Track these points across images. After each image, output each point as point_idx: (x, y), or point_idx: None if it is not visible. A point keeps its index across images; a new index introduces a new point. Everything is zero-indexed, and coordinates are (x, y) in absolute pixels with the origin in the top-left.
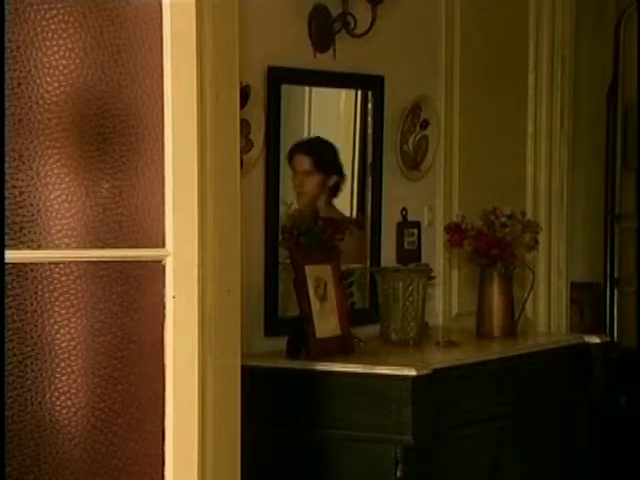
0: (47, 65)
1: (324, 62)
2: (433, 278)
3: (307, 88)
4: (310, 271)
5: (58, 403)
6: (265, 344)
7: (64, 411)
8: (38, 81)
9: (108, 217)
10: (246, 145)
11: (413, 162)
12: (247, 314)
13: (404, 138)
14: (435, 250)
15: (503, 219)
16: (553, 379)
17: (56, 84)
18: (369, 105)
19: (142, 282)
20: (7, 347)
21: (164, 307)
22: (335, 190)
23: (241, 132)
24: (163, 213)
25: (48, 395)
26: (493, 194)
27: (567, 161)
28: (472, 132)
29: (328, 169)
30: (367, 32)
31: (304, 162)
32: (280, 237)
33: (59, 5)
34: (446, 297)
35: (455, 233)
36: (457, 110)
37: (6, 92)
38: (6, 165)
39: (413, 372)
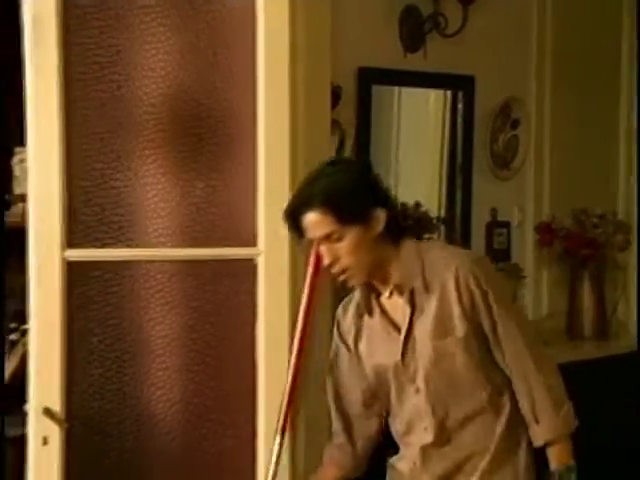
0: (145, 68)
1: (414, 62)
2: (523, 277)
3: (397, 88)
4: None
5: (154, 398)
6: None
7: (160, 405)
8: (137, 84)
9: (202, 216)
10: (337, 145)
11: (503, 161)
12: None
13: (494, 137)
14: (525, 250)
15: (594, 219)
16: None
17: (154, 86)
18: (459, 105)
19: (234, 281)
20: (106, 343)
21: (256, 305)
22: None
23: (332, 132)
24: (255, 212)
25: (145, 390)
26: (584, 194)
27: None
28: (563, 132)
29: None
30: (458, 32)
31: None
32: None
33: (157, 9)
34: (536, 296)
35: (545, 233)
36: (548, 110)
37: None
38: (105, 166)
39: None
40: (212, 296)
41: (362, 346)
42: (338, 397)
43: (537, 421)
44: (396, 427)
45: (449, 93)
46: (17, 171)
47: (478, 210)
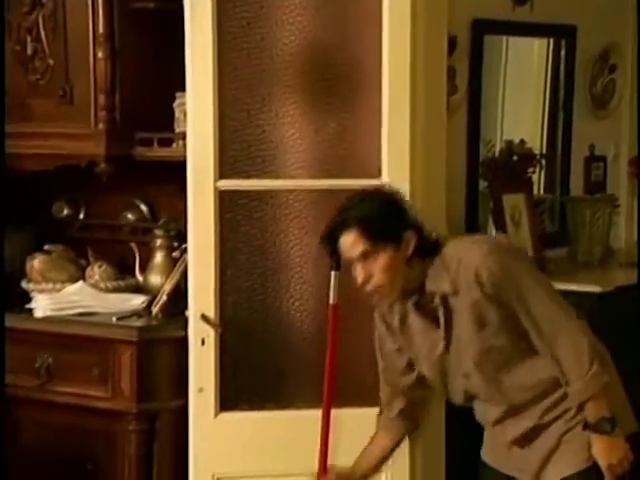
0: (285, 22)
1: (522, 14)
2: (617, 207)
3: (505, 38)
4: (506, 200)
5: (294, 308)
6: None
7: (298, 314)
8: (278, 36)
9: (334, 151)
10: (452, 89)
11: (601, 103)
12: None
13: (593, 81)
14: (619, 182)
15: None
16: None
17: (292, 37)
18: (562, 52)
19: None
20: (252, 260)
21: None
22: None
23: (448, 78)
24: (379, 148)
25: (285, 301)
26: None
27: None
28: None
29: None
30: None
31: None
32: (480, 170)
33: None
34: (628, 223)
35: (638, 166)
36: None
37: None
38: (251, 107)
39: (598, 289)
40: None
41: (404, 335)
42: (386, 370)
43: (568, 384)
44: (455, 401)
45: (552, 41)
46: (177, 113)
47: (577, 146)
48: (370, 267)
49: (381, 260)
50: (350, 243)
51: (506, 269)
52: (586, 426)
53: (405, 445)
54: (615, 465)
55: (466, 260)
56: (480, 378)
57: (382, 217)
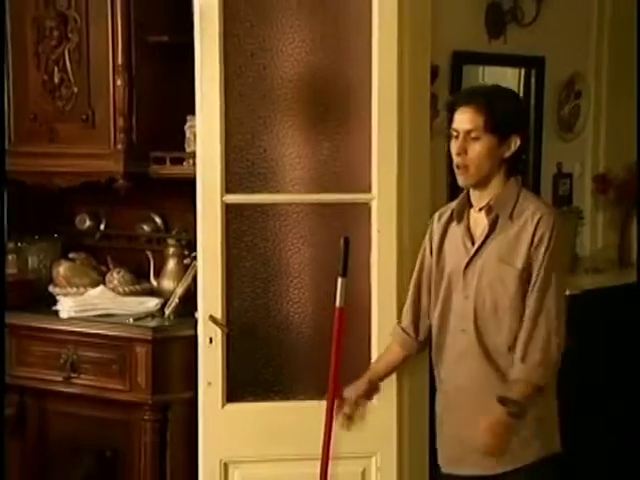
0: (285, 53)
1: (497, 47)
2: (582, 218)
3: (481, 67)
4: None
5: (292, 311)
6: None
7: (296, 317)
8: (279, 64)
9: (328, 169)
10: (434, 114)
11: (567, 125)
12: None
13: (560, 106)
14: (584, 196)
15: None
16: None
17: (291, 66)
18: (532, 80)
19: (354, 219)
20: (255, 267)
21: (370, 239)
22: None
23: (430, 103)
24: (369, 166)
25: (284, 304)
26: (635, 151)
27: None
28: (619, 100)
29: None
30: (532, 22)
31: None
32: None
33: (294, 7)
34: (592, 233)
35: (601, 182)
36: (605, 83)
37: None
38: (254, 129)
39: (566, 292)
40: (336, 231)
41: (442, 252)
42: (416, 284)
43: (523, 360)
44: (435, 332)
45: (523, 71)
46: (188, 134)
47: (546, 164)
48: (468, 146)
49: (481, 146)
50: (468, 115)
51: (557, 240)
52: (500, 399)
53: (393, 430)
54: (490, 436)
55: (537, 204)
56: (476, 305)
57: (508, 110)
